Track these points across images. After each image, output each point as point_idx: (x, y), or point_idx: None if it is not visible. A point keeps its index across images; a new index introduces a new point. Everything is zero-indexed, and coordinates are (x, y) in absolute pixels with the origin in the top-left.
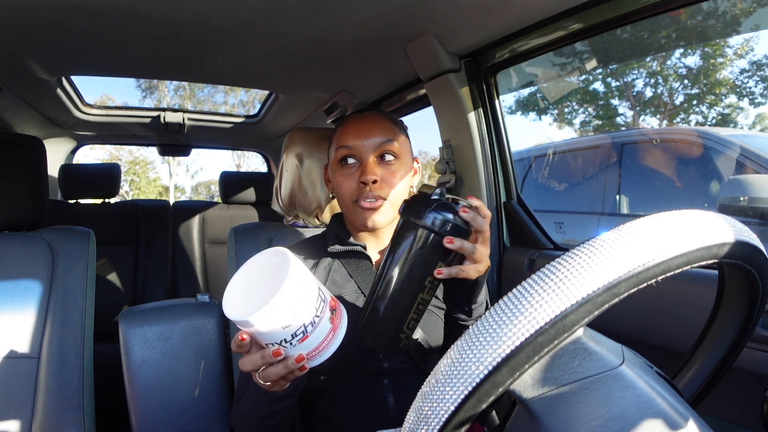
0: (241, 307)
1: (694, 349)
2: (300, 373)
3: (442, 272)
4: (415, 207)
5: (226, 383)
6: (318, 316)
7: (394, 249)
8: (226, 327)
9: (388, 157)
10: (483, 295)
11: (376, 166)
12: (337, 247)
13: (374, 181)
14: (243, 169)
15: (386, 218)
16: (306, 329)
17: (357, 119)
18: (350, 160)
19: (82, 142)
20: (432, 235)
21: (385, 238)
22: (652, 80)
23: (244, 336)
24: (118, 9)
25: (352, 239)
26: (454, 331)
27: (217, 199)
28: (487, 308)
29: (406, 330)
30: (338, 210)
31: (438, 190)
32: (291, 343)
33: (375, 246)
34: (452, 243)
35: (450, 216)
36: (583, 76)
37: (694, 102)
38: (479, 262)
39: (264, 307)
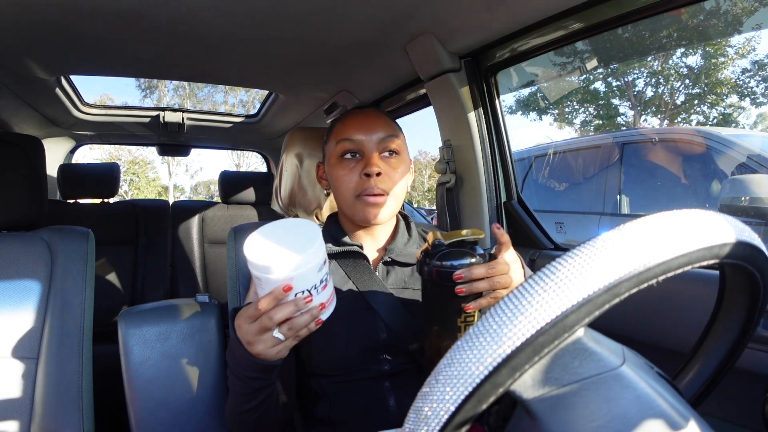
0: (281, 254)
1: (695, 350)
2: (315, 327)
3: (470, 307)
4: (424, 265)
5: (225, 383)
6: (328, 272)
7: (425, 307)
8: (226, 327)
9: (391, 152)
10: None
11: (379, 159)
12: (333, 248)
13: (378, 173)
14: (243, 169)
15: (388, 214)
16: (326, 278)
17: (359, 114)
18: (352, 155)
19: (81, 142)
20: (440, 287)
21: (382, 237)
22: (653, 80)
23: (291, 285)
24: (117, 9)
25: (347, 239)
26: None
27: (217, 199)
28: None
29: None
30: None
31: (437, 242)
32: (317, 290)
33: (372, 245)
34: (462, 292)
35: (453, 263)
36: (584, 76)
37: (695, 102)
38: (506, 287)
39: (309, 250)
